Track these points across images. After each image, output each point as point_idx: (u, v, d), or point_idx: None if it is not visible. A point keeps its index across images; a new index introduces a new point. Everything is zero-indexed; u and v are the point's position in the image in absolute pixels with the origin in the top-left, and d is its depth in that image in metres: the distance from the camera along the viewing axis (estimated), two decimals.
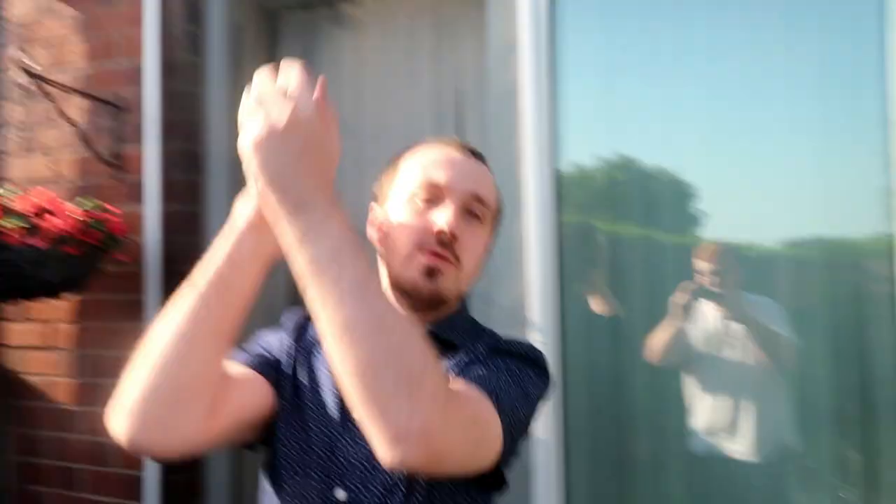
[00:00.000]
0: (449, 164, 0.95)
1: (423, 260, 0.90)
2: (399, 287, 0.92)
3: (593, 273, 1.93)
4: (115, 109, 2.19)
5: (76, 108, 2.23)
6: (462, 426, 0.72)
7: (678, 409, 1.87)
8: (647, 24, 1.91)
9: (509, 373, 0.87)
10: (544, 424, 1.76)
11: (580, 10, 1.93)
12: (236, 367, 0.90)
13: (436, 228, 0.90)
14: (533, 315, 1.81)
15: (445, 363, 0.88)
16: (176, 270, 2.06)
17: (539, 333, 1.78)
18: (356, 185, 2.24)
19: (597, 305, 1.92)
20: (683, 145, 1.87)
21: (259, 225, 0.79)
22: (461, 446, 0.73)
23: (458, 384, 0.78)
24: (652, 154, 1.91)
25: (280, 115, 0.71)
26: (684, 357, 1.83)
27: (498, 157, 1.99)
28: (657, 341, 1.82)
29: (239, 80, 2.35)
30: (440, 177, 0.93)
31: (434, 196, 0.92)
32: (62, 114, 2.13)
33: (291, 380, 0.93)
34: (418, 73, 2.32)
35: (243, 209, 0.83)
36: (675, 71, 1.88)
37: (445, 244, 0.90)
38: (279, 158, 0.71)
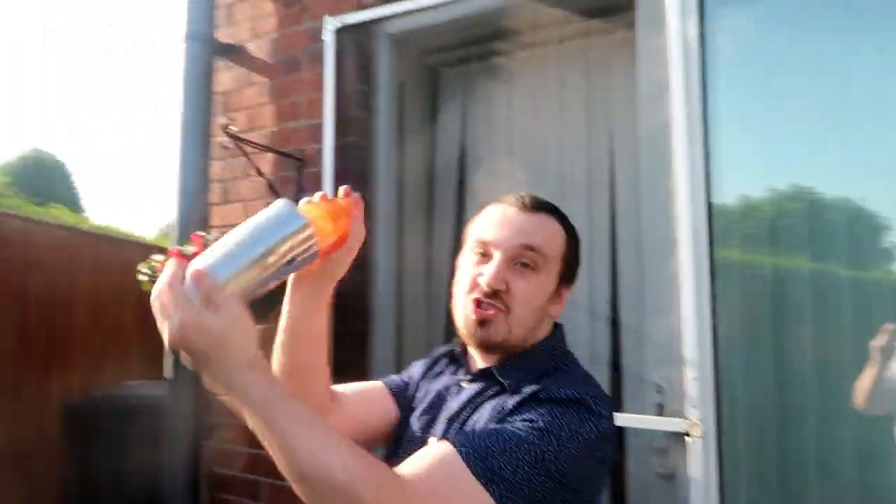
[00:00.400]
0: (498, 222, 1.06)
1: (472, 310, 1.03)
2: (462, 333, 1.07)
3: (751, 309, 1.87)
4: (299, 162, 2.49)
5: (267, 162, 2.56)
6: None
7: (855, 459, 1.74)
8: (800, 53, 1.87)
9: (534, 430, 0.88)
10: (697, 465, 1.71)
11: (731, 45, 1.92)
12: (375, 384, 1.19)
13: (480, 282, 1.02)
14: (687, 352, 1.78)
15: (488, 405, 0.99)
16: (347, 304, 2.27)
17: (692, 370, 1.75)
18: None
19: (756, 342, 1.85)
20: (852, 173, 1.79)
21: (302, 284, 1.03)
22: None
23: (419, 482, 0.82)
24: (818, 183, 1.84)
25: (168, 332, 0.77)
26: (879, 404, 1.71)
27: (651, 194, 2.02)
28: (859, 389, 1.72)
29: (402, 131, 2.58)
30: (488, 234, 1.06)
31: (485, 251, 1.05)
32: (255, 168, 2.46)
33: (411, 399, 1.15)
34: (570, 118, 2.41)
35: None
36: (830, 98, 1.81)
37: (490, 296, 1.02)
38: (192, 360, 0.79)
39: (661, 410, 1.89)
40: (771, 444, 1.81)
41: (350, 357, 2.34)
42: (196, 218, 2.37)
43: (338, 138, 2.42)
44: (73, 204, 11.64)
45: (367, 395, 1.17)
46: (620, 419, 1.91)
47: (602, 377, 2.20)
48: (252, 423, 0.80)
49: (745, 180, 1.90)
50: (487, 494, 0.83)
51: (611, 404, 0.98)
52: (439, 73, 2.72)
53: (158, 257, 2.13)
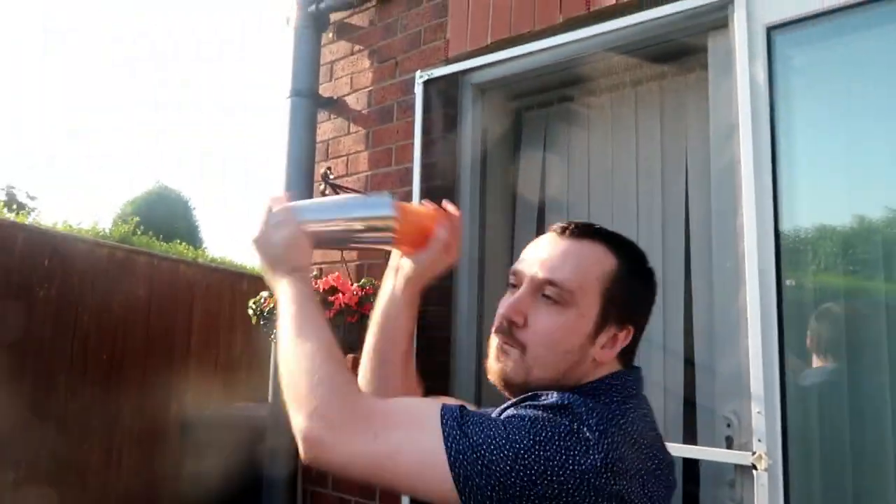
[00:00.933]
0: (532, 250, 0.99)
1: (493, 344, 0.98)
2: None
3: (821, 342, 1.89)
4: None
5: None
6: (361, 447, 0.85)
7: None
8: (867, 92, 1.90)
9: (503, 423, 0.83)
10: (763, 498, 1.74)
11: (799, 86, 1.98)
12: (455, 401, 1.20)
13: (498, 312, 0.97)
14: (754, 386, 1.82)
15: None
16: (432, 336, 2.45)
17: (758, 404, 1.79)
18: None
19: (826, 376, 1.86)
20: None
21: (397, 282, 1.16)
22: (361, 463, 0.86)
23: (394, 421, 0.87)
24: (886, 220, 1.85)
25: (254, 231, 1.07)
26: None
27: (722, 231, 2.09)
28: None
29: (485, 174, 2.76)
30: (518, 265, 1.00)
31: (516, 281, 0.98)
32: None
33: None
34: (645, 158, 2.50)
35: (387, 272, 1.20)
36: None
37: (502, 330, 0.96)
38: (262, 257, 1.07)
39: (730, 443, 1.94)
40: (841, 478, 1.81)
41: (432, 387, 2.50)
42: None
43: (425, 182, 2.62)
44: (193, 236, 12.58)
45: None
46: (692, 451, 1.97)
47: (676, 410, 2.25)
48: (278, 318, 1.02)
49: (814, 218, 1.93)
50: (442, 450, 0.81)
51: (625, 444, 0.83)
52: (521, 117, 2.88)
53: (265, 294, 2.39)
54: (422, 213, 1.15)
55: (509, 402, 0.92)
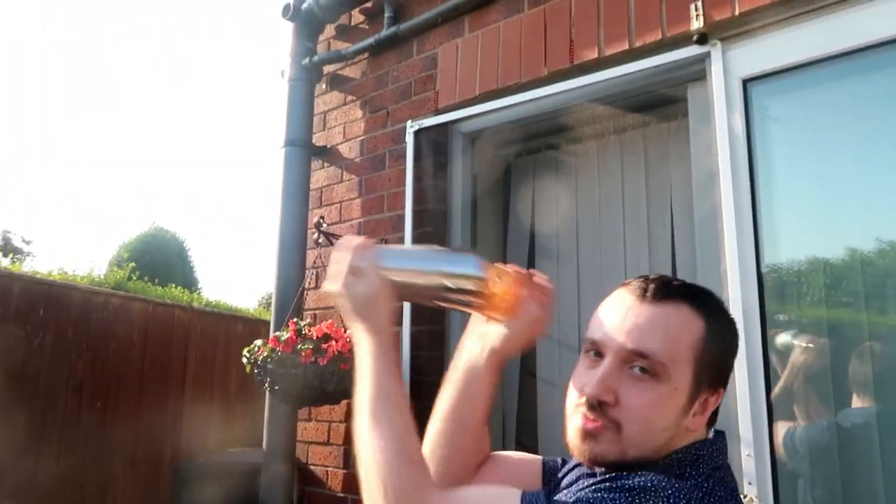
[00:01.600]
0: (612, 317, 0.91)
1: (577, 421, 0.89)
2: (570, 448, 0.92)
3: (807, 384, 1.92)
4: None
5: None
6: None
7: None
8: (842, 137, 1.97)
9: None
10: None
11: (777, 134, 2.05)
12: (535, 459, 1.13)
13: (585, 391, 0.88)
14: (742, 429, 1.85)
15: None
16: (423, 381, 2.47)
17: (747, 447, 1.81)
18: (572, 313, 2.50)
19: (814, 416, 1.89)
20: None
21: (480, 349, 1.08)
22: None
23: None
24: (866, 259, 1.90)
25: (337, 284, 1.02)
26: None
27: (706, 276, 2.13)
28: None
29: (476, 219, 2.81)
30: (598, 332, 0.91)
31: (598, 351, 0.90)
32: None
33: (558, 482, 1.06)
34: (631, 202, 2.57)
35: (469, 334, 1.12)
36: (874, 179, 1.89)
37: (594, 408, 0.87)
38: (343, 308, 1.02)
39: None
40: None
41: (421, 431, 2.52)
42: (293, 303, 2.67)
43: (417, 228, 2.67)
44: (188, 278, 12.58)
45: (521, 466, 1.12)
46: None
47: None
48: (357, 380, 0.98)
49: (797, 257, 1.99)
50: None
51: None
52: (510, 165, 2.95)
53: (258, 342, 2.41)
54: (511, 278, 1.07)
55: (587, 477, 0.92)
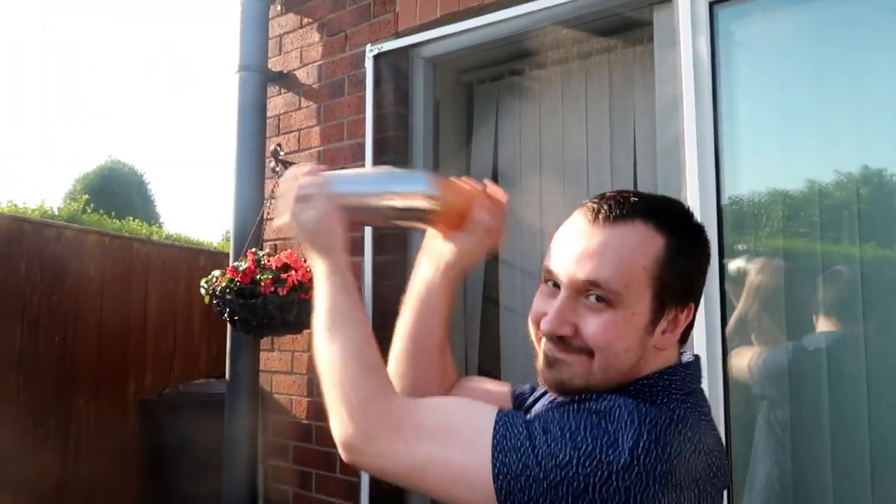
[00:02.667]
0: (565, 244, 0.88)
1: (544, 349, 0.89)
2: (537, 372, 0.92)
3: (762, 309, 1.96)
4: None
5: None
6: (393, 457, 0.85)
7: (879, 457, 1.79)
8: (808, 63, 1.95)
9: (543, 423, 0.80)
10: None
11: (742, 59, 2.02)
12: (503, 387, 1.14)
13: (542, 325, 0.87)
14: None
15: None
16: (386, 310, 2.46)
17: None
18: (534, 240, 2.50)
19: (768, 343, 1.94)
20: (860, 176, 1.86)
21: (436, 265, 1.08)
22: (394, 472, 0.87)
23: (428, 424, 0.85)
24: (827, 189, 1.92)
25: (286, 214, 1.01)
26: None
27: None
28: None
29: (438, 148, 2.76)
30: (553, 260, 0.89)
31: (551, 278, 0.89)
32: None
33: (528, 409, 1.05)
34: (594, 131, 2.54)
35: (423, 253, 1.12)
36: (837, 105, 1.89)
37: (555, 341, 0.87)
38: (297, 239, 1.02)
39: None
40: (782, 462, 1.90)
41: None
42: (251, 233, 2.61)
43: (378, 156, 2.62)
44: (149, 213, 12.31)
45: (491, 393, 1.12)
46: None
47: None
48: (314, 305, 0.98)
49: (757, 189, 1.99)
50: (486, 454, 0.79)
51: (681, 454, 0.78)
52: (472, 91, 2.89)
53: (216, 273, 2.37)
54: (463, 191, 1.06)
55: (554, 400, 0.92)
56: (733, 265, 1.96)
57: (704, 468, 0.81)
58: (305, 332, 2.58)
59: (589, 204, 0.89)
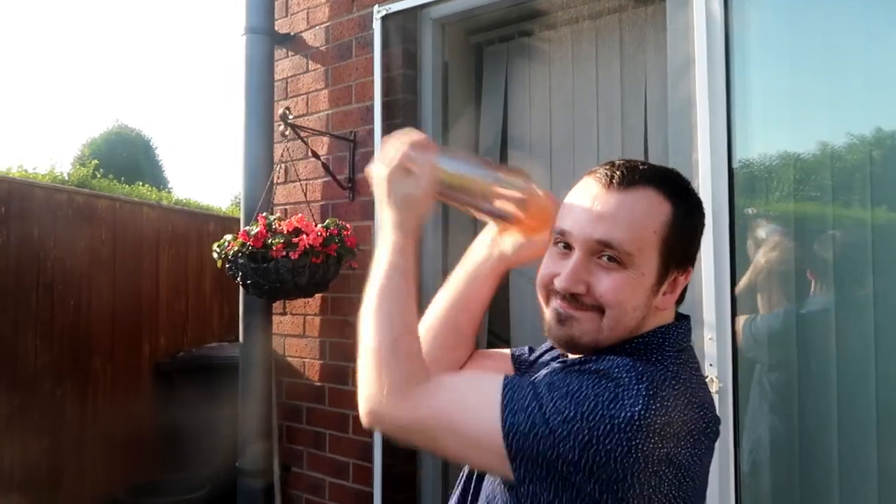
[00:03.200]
0: (579, 207, 0.93)
1: (554, 306, 0.93)
2: (546, 332, 0.97)
3: (770, 273, 1.97)
4: (351, 143, 2.69)
5: (322, 144, 2.78)
6: (419, 420, 0.90)
7: (872, 412, 1.81)
8: (821, 25, 1.92)
9: (551, 388, 0.85)
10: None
11: (755, 19, 1.99)
12: (504, 352, 1.19)
13: (556, 283, 0.92)
14: (706, 314, 1.90)
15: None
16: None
17: (710, 331, 1.88)
18: None
19: (775, 305, 1.95)
20: (873, 139, 1.85)
21: (491, 254, 1.10)
22: (420, 434, 0.93)
23: (447, 394, 0.91)
24: (839, 152, 1.90)
25: (385, 170, 1.00)
26: None
27: (678, 167, 2.12)
28: None
29: (447, 110, 2.74)
30: (567, 223, 0.93)
31: (565, 240, 0.93)
32: (312, 151, 2.68)
33: (527, 369, 1.11)
34: (605, 92, 2.51)
35: (482, 239, 1.13)
36: (850, 69, 1.86)
37: (567, 299, 0.91)
38: (379, 194, 1.01)
39: None
40: (786, 399, 1.93)
41: None
42: (261, 197, 2.62)
43: (386, 119, 2.60)
44: (157, 177, 12.33)
45: (498, 361, 1.17)
46: None
47: None
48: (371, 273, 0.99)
49: (769, 150, 1.98)
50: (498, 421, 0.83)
51: (677, 408, 0.83)
52: (482, 52, 2.85)
53: (228, 237, 2.39)
54: (544, 196, 1.07)
55: (559, 362, 0.97)
56: (746, 229, 1.97)
57: (698, 420, 0.86)
58: (317, 295, 2.61)
59: (601, 170, 0.93)
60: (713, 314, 1.88)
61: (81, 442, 3.54)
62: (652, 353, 0.90)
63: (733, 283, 1.91)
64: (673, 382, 0.85)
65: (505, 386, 0.87)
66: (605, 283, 0.89)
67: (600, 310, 0.90)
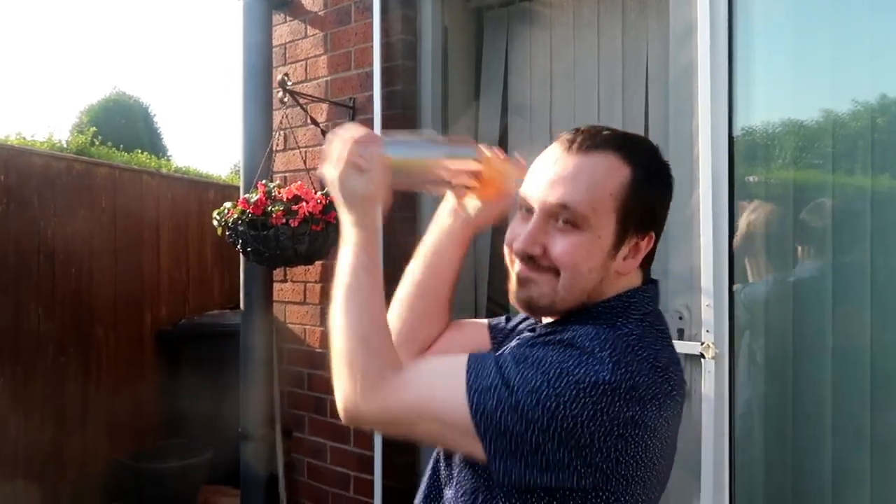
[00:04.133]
0: (539, 171, 0.95)
1: (515, 270, 0.96)
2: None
3: (768, 242, 1.97)
4: (350, 110, 2.68)
5: (321, 111, 2.77)
6: (393, 414, 0.93)
7: (864, 384, 1.83)
8: None
9: (521, 362, 0.86)
10: (710, 384, 1.87)
11: None
12: (482, 322, 1.20)
13: (514, 246, 0.95)
14: (704, 281, 1.91)
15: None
16: (394, 242, 2.48)
17: (708, 298, 1.89)
18: None
19: (771, 273, 1.96)
20: (875, 107, 1.83)
21: (454, 221, 1.12)
22: (395, 426, 0.97)
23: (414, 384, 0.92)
24: (840, 120, 1.89)
25: (335, 172, 0.98)
26: None
27: (678, 134, 2.11)
28: None
29: (447, 77, 2.72)
30: (528, 188, 0.96)
31: (527, 205, 0.95)
32: (311, 118, 2.67)
33: (502, 339, 1.14)
34: (606, 59, 2.49)
35: (445, 206, 1.14)
36: (853, 39, 1.84)
37: (525, 260, 0.94)
38: (335, 196, 1.00)
39: (681, 335, 2.05)
40: (782, 366, 1.95)
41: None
42: (261, 164, 2.61)
43: (385, 86, 2.58)
44: (156, 145, 12.25)
45: (475, 330, 1.19)
46: None
47: None
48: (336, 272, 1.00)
49: (769, 119, 1.97)
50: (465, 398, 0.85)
51: (641, 372, 0.85)
52: (482, 18, 2.82)
53: (228, 204, 2.39)
54: (500, 161, 1.09)
55: (529, 333, 0.99)
56: (744, 199, 1.96)
57: (662, 383, 0.87)
58: (317, 263, 2.61)
59: (565, 135, 0.95)
60: (710, 281, 1.89)
61: (85, 409, 3.58)
62: (616, 318, 0.92)
63: (731, 251, 1.92)
64: (637, 347, 0.87)
65: (469, 366, 0.88)
66: (561, 246, 0.91)
67: (556, 272, 0.92)
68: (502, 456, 0.83)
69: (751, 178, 2.00)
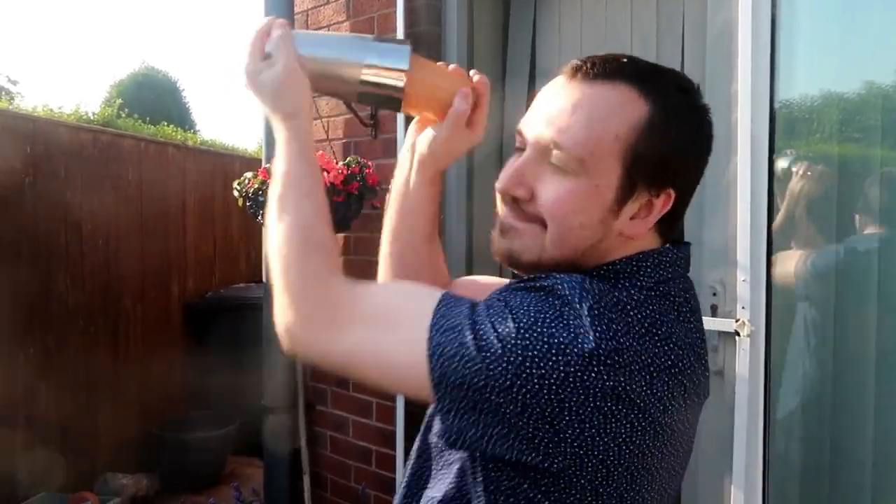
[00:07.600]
0: (539, 102, 0.80)
1: (499, 216, 0.83)
2: None
3: (809, 215, 1.87)
4: None
5: None
6: (330, 344, 0.77)
7: None
8: None
9: (489, 309, 0.71)
10: (744, 362, 1.79)
11: None
12: (499, 281, 1.04)
13: (496, 186, 0.81)
14: (740, 255, 1.82)
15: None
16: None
17: (744, 273, 1.80)
18: None
19: (812, 246, 1.87)
20: None
21: (410, 156, 0.99)
22: (332, 360, 0.80)
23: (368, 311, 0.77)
24: (885, 89, 1.78)
25: (243, 66, 0.88)
26: None
27: (714, 99, 2.00)
28: None
29: (472, 45, 2.63)
30: (524, 123, 0.81)
31: (521, 143, 0.81)
32: None
33: None
34: (640, 20, 2.38)
35: (405, 144, 1.03)
36: None
37: (510, 205, 0.80)
38: (258, 103, 0.89)
39: (715, 311, 1.97)
40: (821, 343, 1.86)
41: None
42: None
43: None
44: (184, 119, 12.31)
45: (488, 288, 0.96)
46: None
47: None
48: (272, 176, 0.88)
49: (811, 85, 1.86)
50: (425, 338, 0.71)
51: (628, 334, 0.69)
52: None
53: (249, 174, 2.35)
54: (444, 74, 0.93)
55: (505, 286, 0.80)
56: (783, 167, 1.86)
57: (660, 354, 0.71)
58: (339, 235, 2.57)
59: (575, 61, 0.77)
60: (747, 255, 1.80)
61: (115, 379, 3.62)
62: (621, 281, 0.76)
63: (769, 224, 1.82)
64: (628, 308, 0.71)
65: (440, 301, 0.73)
66: (550, 191, 0.75)
67: (543, 223, 0.77)
68: (457, 413, 0.69)
69: (790, 151, 1.89)
